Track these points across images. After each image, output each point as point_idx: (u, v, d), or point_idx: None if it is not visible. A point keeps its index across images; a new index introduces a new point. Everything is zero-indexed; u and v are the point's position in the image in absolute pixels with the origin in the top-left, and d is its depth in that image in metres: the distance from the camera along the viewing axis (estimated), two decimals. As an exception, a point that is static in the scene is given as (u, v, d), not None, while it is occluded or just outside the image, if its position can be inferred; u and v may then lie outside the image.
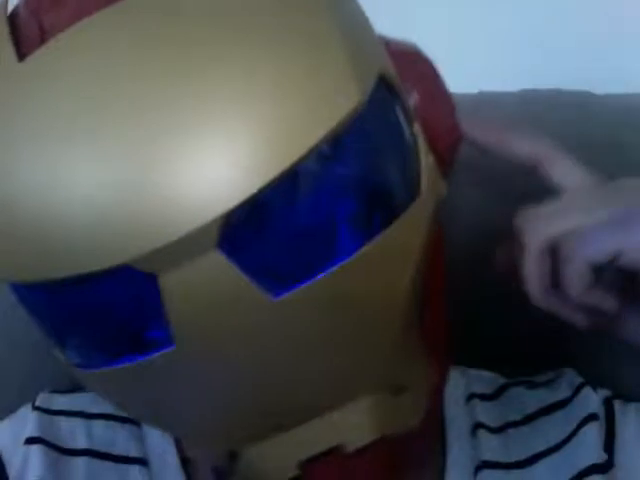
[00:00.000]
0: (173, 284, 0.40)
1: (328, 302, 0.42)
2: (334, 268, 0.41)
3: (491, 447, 0.57)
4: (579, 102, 0.70)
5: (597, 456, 0.56)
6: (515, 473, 0.56)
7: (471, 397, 0.59)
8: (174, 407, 0.44)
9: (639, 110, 0.69)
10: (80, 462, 0.56)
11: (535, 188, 0.49)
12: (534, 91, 0.70)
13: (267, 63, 0.39)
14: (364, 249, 0.42)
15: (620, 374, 0.63)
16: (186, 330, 0.40)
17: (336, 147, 0.42)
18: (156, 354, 0.41)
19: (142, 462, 0.56)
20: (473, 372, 0.61)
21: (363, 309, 0.43)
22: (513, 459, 0.57)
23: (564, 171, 0.50)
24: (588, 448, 0.56)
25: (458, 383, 0.59)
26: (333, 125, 0.40)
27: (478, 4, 0.87)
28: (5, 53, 0.41)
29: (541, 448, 0.57)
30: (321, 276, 0.41)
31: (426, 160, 0.46)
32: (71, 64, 0.39)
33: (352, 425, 0.45)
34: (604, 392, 0.60)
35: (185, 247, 0.39)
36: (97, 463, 0.56)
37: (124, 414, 0.58)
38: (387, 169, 0.44)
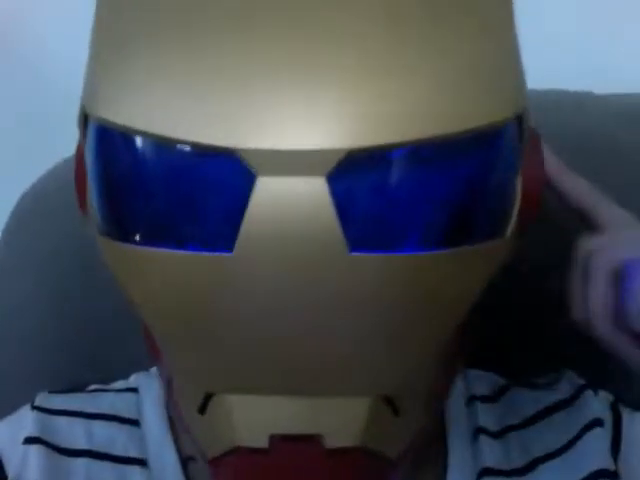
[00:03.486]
0: (265, 190, 0.39)
1: (393, 282, 0.41)
2: (409, 254, 0.41)
3: (492, 453, 0.56)
4: (578, 102, 0.70)
5: (605, 462, 0.56)
6: None
7: (472, 399, 0.59)
8: (197, 312, 0.42)
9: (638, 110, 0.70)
10: (79, 463, 0.56)
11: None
12: (535, 91, 0.70)
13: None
14: (443, 251, 0.42)
15: (618, 378, 0.62)
16: (253, 239, 0.40)
17: (476, 142, 0.42)
18: (215, 253, 0.41)
19: (141, 463, 0.56)
20: (473, 373, 0.60)
21: (421, 305, 0.42)
22: (513, 466, 0.57)
23: (611, 212, 0.51)
24: (594, 454, 0.56)
25: (458, 384, 0.58)
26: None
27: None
28: None
29: (541, 453, 0.57)
30: (397, 254, 0.41)
31: (517, 207, 0.45)
32: None
33: (341, 420, 0.43)
34: (605, 394, 0.60)
35: (303, 161, 0.39)
36: (96, 464, 0.56)
37: (123, 415, 0.58)
38: (493, 194, 0.43)
